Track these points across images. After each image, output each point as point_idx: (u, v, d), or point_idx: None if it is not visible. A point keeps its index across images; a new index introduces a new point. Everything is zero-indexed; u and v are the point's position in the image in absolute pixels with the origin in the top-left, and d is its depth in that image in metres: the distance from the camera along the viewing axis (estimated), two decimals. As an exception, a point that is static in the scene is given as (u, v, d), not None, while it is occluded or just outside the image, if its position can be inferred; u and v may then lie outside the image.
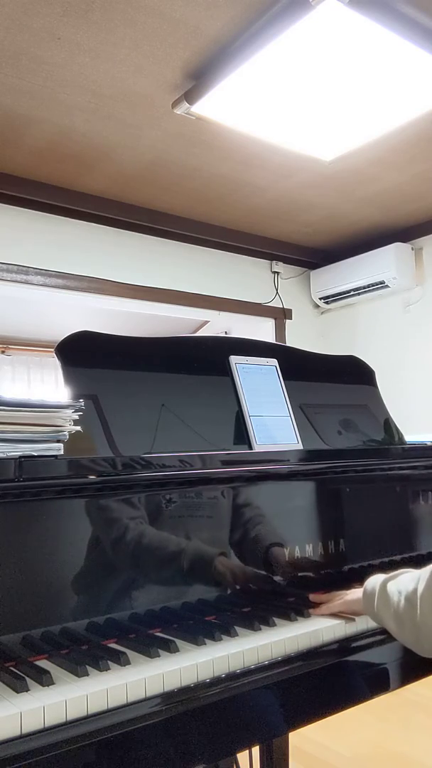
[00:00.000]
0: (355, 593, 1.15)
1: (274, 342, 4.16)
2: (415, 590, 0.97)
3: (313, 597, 1.24)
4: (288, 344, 3.20)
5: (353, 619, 1.14)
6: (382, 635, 1.11)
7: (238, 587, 1.20)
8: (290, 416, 1.52)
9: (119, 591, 1.06)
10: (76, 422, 1.06)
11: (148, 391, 1.36)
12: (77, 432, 1.07)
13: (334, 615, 1.16)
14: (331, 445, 1.60)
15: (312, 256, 4.46)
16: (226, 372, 1.49)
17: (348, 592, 1.19)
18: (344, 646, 1.10)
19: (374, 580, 1.09)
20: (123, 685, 0.86)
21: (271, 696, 0.99)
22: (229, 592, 1.19)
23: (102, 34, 2.15)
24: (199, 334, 5.34)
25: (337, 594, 1.21)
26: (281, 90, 2.41)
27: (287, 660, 1.02)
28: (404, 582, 1.01)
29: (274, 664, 1.00)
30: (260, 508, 1.27)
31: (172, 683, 0.90)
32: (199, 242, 4.03)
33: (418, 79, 2.35)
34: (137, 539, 1.09)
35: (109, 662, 0.92)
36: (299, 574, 1.29)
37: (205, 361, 1.49)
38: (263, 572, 1.24)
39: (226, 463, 1.27)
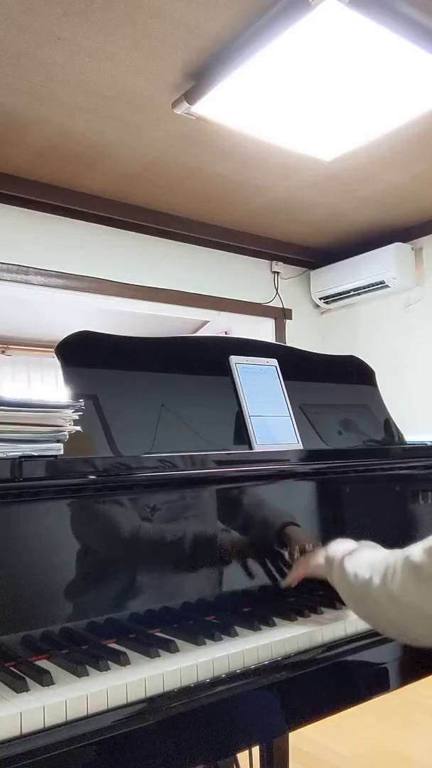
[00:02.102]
0: (317, 557, 1.17)
1: (274, 342, 4.16)
2: (369, 580, 0.98)
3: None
4: (288, 344, 3.20)
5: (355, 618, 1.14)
6: (381, 635, 1.11)
7: (243, 587, 1.20)
8: (290, 416, 1.52)
9: (119, 591, 1.06)
10: (76, 422, 1.06)
11: (148, 391, 1.36)
12: (77, 432, 1.07)
13: (328, 608, 1.16)
14: (331, 445, 1.60)
15: (312, 256, 4.46)
16: (226, 372, 1.49)
17: (310, 554, 1.22)
18: (344, 646, 1.10)
19: (334, 549, 1.11)
20: (123, 685, 0.86)
21: (271, 696, 0.99)
22: (228, 591, 1.19)
23: (102, 34, 2.15)
24: (199, 334, 5.35)
25: (305, 560, 1.23)
26: (281, 90, 2.41)
27: (287, 660, 1.02)
28: (361, 566, 1.02)
29: (274, 664, 1.00)
30: (262, 500, 1.27)
31: (172, 683, 0.90)
32: (200, 242, 4.03)
33: (418, 79, 2.35)
34: (136, 539, 1.09)
35: (109, 662, 0.92)
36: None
37: (205, 361, 1.49)
38: (263, 572, 1.24)
39: (227, 463, 1.27)
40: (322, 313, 4.66)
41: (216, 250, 4.13)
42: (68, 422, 1.05)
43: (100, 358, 1.34)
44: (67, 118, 2.67)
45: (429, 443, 1.70)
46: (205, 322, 5.14)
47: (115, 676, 0.88)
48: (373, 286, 4.13)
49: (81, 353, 1.32)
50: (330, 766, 2.44)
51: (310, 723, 1.05)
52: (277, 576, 1.26)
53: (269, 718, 1.00)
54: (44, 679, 0.86)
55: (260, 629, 1.08)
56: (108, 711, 0.83)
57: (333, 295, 4.40)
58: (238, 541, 1.23)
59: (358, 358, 1.87)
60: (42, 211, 3.43)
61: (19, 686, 0.84)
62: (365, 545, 1.12)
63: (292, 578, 1.23)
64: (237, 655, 0.97)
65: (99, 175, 3.21)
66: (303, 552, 1.27)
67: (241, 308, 4.23)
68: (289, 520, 1.30)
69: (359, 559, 1.05)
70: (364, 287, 4.18)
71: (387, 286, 4.08)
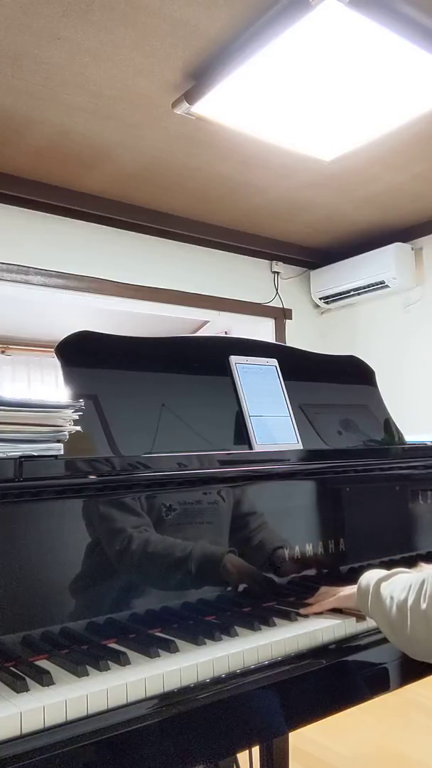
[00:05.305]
0: (348, 589, 1.15)
1: (274, 342, 4.16)
2: (405, 600, 0.96)
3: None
4: (288, 344, 3.20)
5: (363, 618, 1.13)
6: (382, 635, 1.11)
7: (242, 586, 1.20)
8: (290, 416, 1.52)
9: (119, 591, 1.06)
10: (76, 422, 1.06)
11: (148, 391, 1.36)
12: (77, 432, 1.07)
13: (331, 612, 1.16)
14: (331, 445, 1.60)
15: (312, 256, 4.46)
16: (226, 372, 1.49)
17: (340, 588, 1.19)
18: (344, 646, 1.10)
19: (369, 578, 1.08)
20: (123, 685, 0.86)
21: (271, 696, 0.99)
22: (228, 590, 1.19)
23: (102, 34, 2.15)
24: (199, 334, 5.34)
25: (330, 590, 1.21)
26: (281, 90, 2.41)
27: (287, 660, 1.02)
28: (397, 588, 1.00)
29: (274, 664, 1.00)
30: (262, 509, 1.27)
31: (172, 683, 0.90)
32: (200, 242, 4.03)
33: (418, 79, 2.35)
34: (137, 540, 1.09)
35: (109, 662, 0.92)
36: (299, 574, 1.29)
37: (205, 361, 1.49)
38: (266, 572, 1.24)
39: (226, 463, 1.27)
40: (322, 313, 4.66)
41: (216, 250, 4.13)
42: (68, 422, 1.05)
43: (100, 358, 1.35)
44: (67, 118, 2.67)
45: (429, 443, 1.70)
46: (205, 322, 5.14)
47: (115, 676, 0.88)
48: (373, 286, 4.13)
49: (81, 353, 1.32)
50: (330, 766, 2.44)
51: (310, 723, 1.05)
52: (278, 575, 1.26)
53: (269, 718, 1.00)
54: (44, 679, 0.86)
55: (260, 629, 1.08)
56: (108, 711, 0.83)
57: (333, 295, 4.40)
58: (241, 541, 1.23)
59: (358, 358, 1.87)
60: (42, 211, 3.43)
61: (19, 686, 0.84)
62: (400, 570, 1.07)
63: (316, 610, 1.17)
64: (237, 655, 0.97)
65: (99, 175, 3.21)
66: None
67: (241, 308, 4.23)
68: (281, 545, 1.28)
69: (396, 580, 1.02)
70: (364, 287, 4.18)
71: (387, 286, 4.08)
